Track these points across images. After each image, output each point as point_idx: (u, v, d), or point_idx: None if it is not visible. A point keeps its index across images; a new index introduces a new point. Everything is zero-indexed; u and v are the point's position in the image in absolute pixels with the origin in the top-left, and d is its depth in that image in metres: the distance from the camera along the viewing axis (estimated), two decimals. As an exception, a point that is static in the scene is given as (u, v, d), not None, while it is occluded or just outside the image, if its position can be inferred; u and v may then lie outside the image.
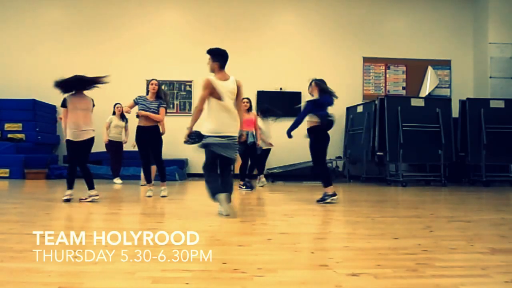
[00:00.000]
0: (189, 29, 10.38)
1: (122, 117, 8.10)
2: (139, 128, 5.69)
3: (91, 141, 5.03)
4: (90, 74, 5.11)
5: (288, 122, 7.75)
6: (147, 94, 5.81)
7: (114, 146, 7.95)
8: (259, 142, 7.11)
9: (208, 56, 4.14)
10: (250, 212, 4.53)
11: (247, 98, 7.09)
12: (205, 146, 3.95)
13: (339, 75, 10.48)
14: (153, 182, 5.87)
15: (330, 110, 5.37)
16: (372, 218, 4.16)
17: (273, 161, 8.40)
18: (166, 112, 5.93)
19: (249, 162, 7.09)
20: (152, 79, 5.85)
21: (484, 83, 10.34)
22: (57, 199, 5.38)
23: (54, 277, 2.07)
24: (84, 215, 4.20)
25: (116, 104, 8.16)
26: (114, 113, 8.12)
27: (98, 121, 8.06)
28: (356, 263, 2.45)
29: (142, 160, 5.80)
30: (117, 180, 7.89)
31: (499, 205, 5.48)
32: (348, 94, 10.46)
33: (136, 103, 5.69)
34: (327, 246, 2.93)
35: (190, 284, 2.01)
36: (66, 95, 5.00)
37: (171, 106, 9.48)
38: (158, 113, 5.65)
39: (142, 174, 7.44)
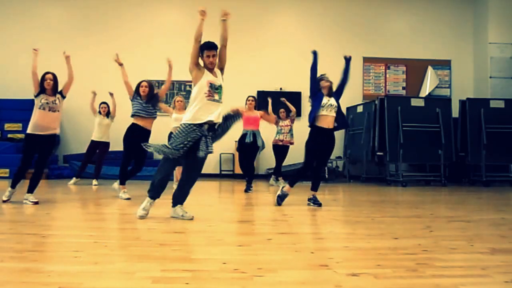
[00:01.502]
0: (188, 29, 10.30)
1: (107, 116, 7.68)
2: (133, 126, 5.40)
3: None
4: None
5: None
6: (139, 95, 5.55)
7: (96, 147, 7.60)
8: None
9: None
10: (250, 212, 4.52)
11: (253, 96, 7.08)
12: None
13: (339, 75, 10.49)
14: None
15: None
16: (372, 218, 4.16)
17: (273, 161, 8.40)
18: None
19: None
20: (142, 81, 5.60)
21: (484, 83, 10.35)
22: (57, 199, 5.38)
23: (54, 277, 2.07)
24: (84, 215, 4.20)
25: (101, 103, 7.69)
26: (99, 113, 7.68)
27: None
28: (356, 263, 2.45)
29: (125, 159, 5.50)
30: (94, 182, 7.49)
31: (499, 205, 5.47)
32: (348, 94, 10.40)
33: (132, 100, 5.49)
34: (327, 246, 2.92)
35: (190, 284, 2.01)
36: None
37: (169, 105, 9.05)
38: (154, 116, 5.55)
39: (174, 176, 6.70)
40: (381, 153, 8.79)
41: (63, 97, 5.06)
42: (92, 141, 7.66)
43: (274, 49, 10.50)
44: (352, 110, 10.09)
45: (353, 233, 3.39)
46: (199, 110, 3.77)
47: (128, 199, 5.38)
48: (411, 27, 10.85)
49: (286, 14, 10.74)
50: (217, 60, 3.92)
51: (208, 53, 3.87)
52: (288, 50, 10.52)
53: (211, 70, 3.93)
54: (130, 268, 2.26)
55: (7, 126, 9.34)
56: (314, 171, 5.06)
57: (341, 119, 5.10)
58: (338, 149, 10.23)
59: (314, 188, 5.07)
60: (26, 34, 10.22)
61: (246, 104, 6.97)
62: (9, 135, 9.27)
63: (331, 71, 10.45)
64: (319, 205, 4.94)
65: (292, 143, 7.97)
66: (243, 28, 10.46)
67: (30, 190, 4.82)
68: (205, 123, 3.76)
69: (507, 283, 2.09)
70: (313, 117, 4.89)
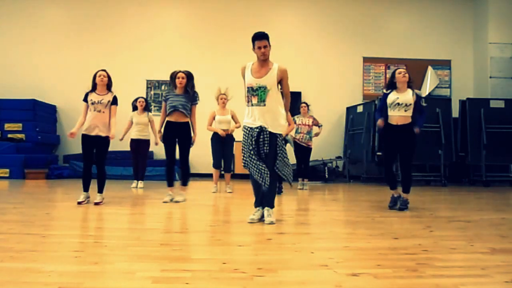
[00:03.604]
0: (189, 28, 10.38)
1: (146, 110, 7.20)
2: (167, 124, 5.15)
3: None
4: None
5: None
6: (174, 88, 5.18)
7: (137, 145, 7.10)
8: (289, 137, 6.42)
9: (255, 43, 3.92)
10: (250, 212, 4.53)
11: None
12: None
13: (339, 75, 10.51)
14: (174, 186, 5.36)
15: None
16: (372, 218, 4.16)
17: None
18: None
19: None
20: (179, 72, 5.17)
21: (484, 83, 10.35)
22: (57, 199, 5.38)
23: (54, 277, 2.07)
24: (84, 215, 4.20)
25: (137, 98, 7.28)
26: (135, 108, 7.20)
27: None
28: (356, 263, 2.45)
29: (167, 159, 5.21)
30: (140, 184, 7.05)
31: (499, 205, 5.47)
32: (348, 94, 10.50)
33: (165, 100, 5.15)
34: (327, 246, 2.92)
35: (190, 284, 2.01)
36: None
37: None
38: (189, 109, 5.15)
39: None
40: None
41: (115, 102, 4.97)
42: (132, 140, 7.14)
43: (274, 49, 10.35)
44: (352, 110, 10.09)
45: (353, 233, 3.39)
46: (247, 116, 3.83)
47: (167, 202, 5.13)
48: (411, 27, 10.85)
49: (286, 14, 10.74)
50: (269, 51, 3.84)
51: (259, 44, 3.79)
52: (288, 50, 10.50)
53: (263, 63, 3.88)
54: (130, 268, 2.26)
55: (7, 126, 9.34)
56: (401, 170, 4.79)
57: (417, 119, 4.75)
58: (338, 149, 10.25)
59: (404, 189, 4.75)
60: (26, 34, 10.24)
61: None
62: (9, 135, 9.27)
63: (331, 71, 10.52)
64: (402, 209, 4.65)
65: (309, 146, 7.10)
66: (243, 27, 10.45)
67: (98, 190, 4.91)
68: (252, 128, 3.73)
69: (507, 283, 2.09)
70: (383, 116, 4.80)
